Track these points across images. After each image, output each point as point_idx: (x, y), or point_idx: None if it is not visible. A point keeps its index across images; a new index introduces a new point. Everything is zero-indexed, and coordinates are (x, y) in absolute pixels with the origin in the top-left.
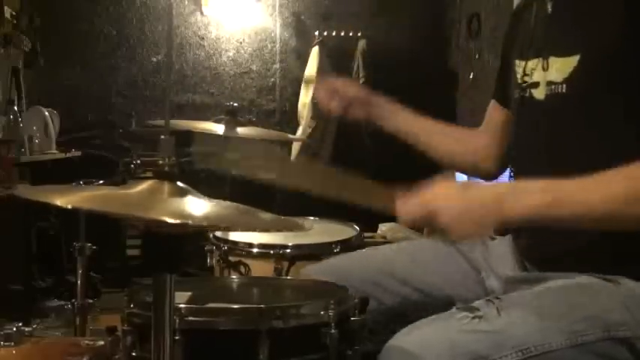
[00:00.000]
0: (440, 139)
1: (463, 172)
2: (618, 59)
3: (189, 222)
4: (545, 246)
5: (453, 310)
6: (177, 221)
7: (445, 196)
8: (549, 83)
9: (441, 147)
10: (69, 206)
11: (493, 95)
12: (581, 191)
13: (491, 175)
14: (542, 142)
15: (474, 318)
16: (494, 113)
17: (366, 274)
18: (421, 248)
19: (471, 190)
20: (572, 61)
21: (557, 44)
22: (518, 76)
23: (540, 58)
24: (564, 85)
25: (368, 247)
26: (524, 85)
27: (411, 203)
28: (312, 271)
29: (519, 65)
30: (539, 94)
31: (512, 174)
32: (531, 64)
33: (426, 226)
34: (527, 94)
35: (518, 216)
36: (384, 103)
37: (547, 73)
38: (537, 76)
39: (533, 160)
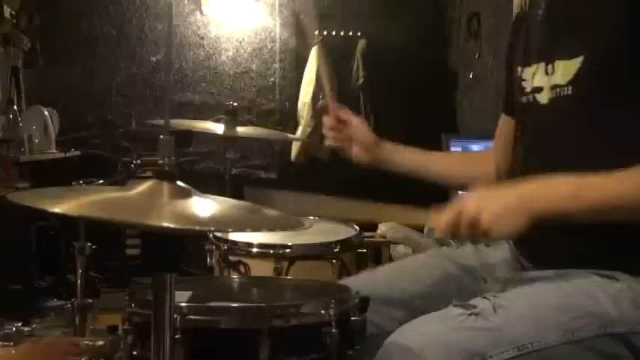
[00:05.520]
0: (450, 166)
1: None
2: (622, 59)
3: (195, 227)
4: (542, 243)
5: (450, 307)
6: (180, 227)
7: (480, 200)
8: (554, 87)
9: (453, 174)
10: (74, 214)
11: (502, 109)
12: (608, 181)
13: None
14: (548, 145)
15: (470, 315)
16: (506, 127)
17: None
18: (420, 265)
19: (503, 191)
20: (577, 63)
21: (561, 47)
22: (521, 82)
23: (543, 63)
24: (569, 87)
25: (366, 270)
26: (528, 90)
27: (447, 214)
28: None
29: (521, 71)
30: (542, 98)
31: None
32: (533, 68)
33: (466, 232)
34: (531, 100)
35: (547, 211)
36: (389, 147)
37: (551, 77)
38: (540, 81)
39: (539, 164)
